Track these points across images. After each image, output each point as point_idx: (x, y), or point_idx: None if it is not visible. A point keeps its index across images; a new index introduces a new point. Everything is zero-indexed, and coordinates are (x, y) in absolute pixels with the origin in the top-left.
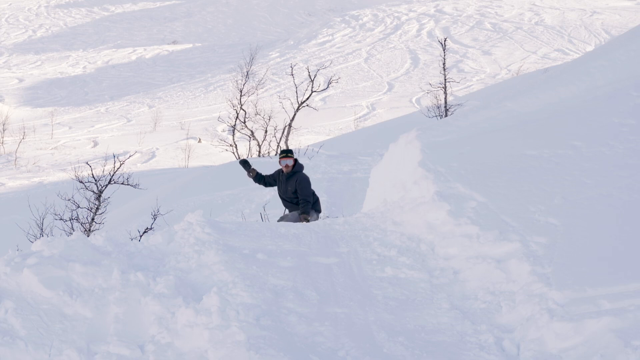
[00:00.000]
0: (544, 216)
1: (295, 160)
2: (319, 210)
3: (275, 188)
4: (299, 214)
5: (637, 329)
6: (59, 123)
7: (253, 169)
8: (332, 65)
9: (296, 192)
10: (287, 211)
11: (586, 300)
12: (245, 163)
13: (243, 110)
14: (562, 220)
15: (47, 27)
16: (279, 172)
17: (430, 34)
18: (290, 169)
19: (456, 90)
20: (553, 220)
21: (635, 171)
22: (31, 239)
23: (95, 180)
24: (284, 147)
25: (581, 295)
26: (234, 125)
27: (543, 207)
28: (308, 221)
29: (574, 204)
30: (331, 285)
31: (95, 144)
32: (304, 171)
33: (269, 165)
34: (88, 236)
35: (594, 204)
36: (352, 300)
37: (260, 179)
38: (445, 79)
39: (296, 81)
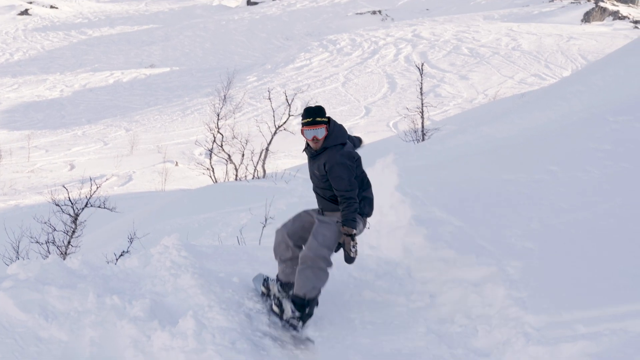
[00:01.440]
0: (520, 240)
1: (329, 127)
2: (366, 214)
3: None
4: (340, 223)
5: (613, 353)
6: (35, 146)
7: None
8: (309, 89)
9: (324, 177)
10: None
11: (562, 325)
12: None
13: (220, 133)
14: (538, 244)
15: (25, 50)
16: (307, 144)
17: (407, 59)
18: (319, 144)
19: (433, 115)
20: (529, 244)
21: (611, 196)
22: (7, 262)
23: (72, 204)
24: (260, 169)
25: (557, 320)
26: (211, 148)
27: (519, 232)
28: (353, 240)
29: (550, 228)
30: None
31: (72, 167)
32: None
33: (247, 190)
34: (64, 259)
35: (570, 228)
36: (329, 323)
37: None
38: (422, 104)
39: (273, 105)
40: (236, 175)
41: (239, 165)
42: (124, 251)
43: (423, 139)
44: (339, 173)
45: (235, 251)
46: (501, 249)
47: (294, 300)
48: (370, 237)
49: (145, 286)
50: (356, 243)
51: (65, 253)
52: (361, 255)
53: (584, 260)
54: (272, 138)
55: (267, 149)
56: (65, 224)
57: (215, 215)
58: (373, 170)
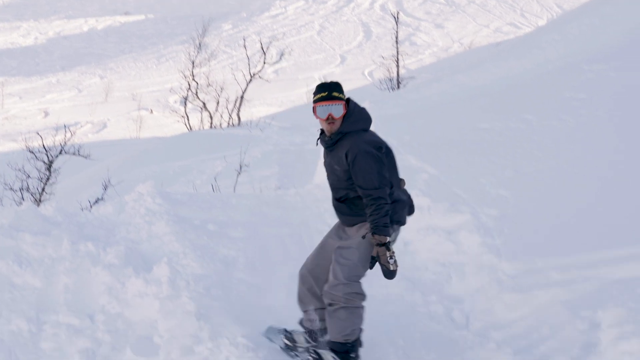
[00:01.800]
0: (494, 188)
1: (348, 105)
2: (396, 220)
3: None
4: (369, 232)
5: (586, 300)
6: (9, 93)
7: None
8: (284, 37)
9: (348, 173)
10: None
11: (535, 272)
12: None
13: (195, 81)
14: (512, 192)
15: None
16: (321, 131)
17: (383, 7)
18: (335, 125)
19: (408, 63)
20: (504, 192)
21: (586, 144)
22: None
23: (46, 151)
24: (235, 117)
25: (531, 267)
26: (186, 96)
27: (494, 179)
28: (389, 250)
29: (525, 176)
30: (282, 256)
31: (46, 114)
32: (376, 127)
33: (222, 138)
34: (38, 206)
35: (544, 176)
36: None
37: None
38: (397, 52)
39: (248, 53)
40: (211, 123)
41: (214, 113)
42: (98, 198)
43: (398, 88)
44: (364, 165)
45: (210, 198)
46: (476, 197)
47: (332, 349)
48: None
49: (120, 233)
50: (393, 253)
51: (40, 200)
52: None
53: (558, 208)
54: (247, 86)
55: (242, 97)
56: (39, 171)
57: (190, 163)
58: None
